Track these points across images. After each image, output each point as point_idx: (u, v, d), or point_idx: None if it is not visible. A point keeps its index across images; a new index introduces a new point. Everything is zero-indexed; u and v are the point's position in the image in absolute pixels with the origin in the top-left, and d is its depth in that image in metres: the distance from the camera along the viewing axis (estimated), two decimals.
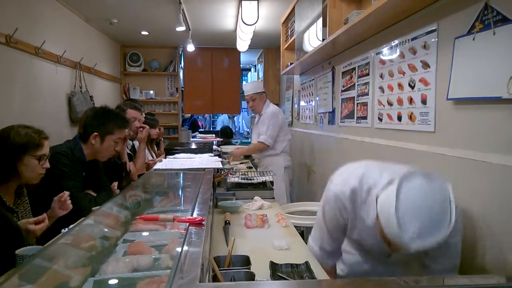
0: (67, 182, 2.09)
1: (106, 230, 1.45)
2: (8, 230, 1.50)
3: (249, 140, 7.04)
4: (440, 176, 1.22)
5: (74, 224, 1.43)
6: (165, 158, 3.05)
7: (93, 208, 1.80)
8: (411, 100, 2.03)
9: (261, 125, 3.88)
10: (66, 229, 1.52)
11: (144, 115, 3.46)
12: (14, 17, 3.13)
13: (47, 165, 1.84)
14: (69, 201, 1.90)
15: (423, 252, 1.41)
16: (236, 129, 10.67)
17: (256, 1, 4.00)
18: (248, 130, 9.60)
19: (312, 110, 4.15)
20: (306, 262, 1.56)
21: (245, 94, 3.99)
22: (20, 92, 3.26)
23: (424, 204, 1.14)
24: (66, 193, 1.90)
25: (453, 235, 1.25)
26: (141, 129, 3.15)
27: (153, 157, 3.60)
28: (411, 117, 2.04)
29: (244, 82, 8.88)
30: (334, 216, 1.50)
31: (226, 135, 7.15)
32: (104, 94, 5.54)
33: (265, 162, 3.89)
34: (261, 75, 7.23)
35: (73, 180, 2.16)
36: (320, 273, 1.53)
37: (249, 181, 2.96)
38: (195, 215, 1.26)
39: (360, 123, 2.74)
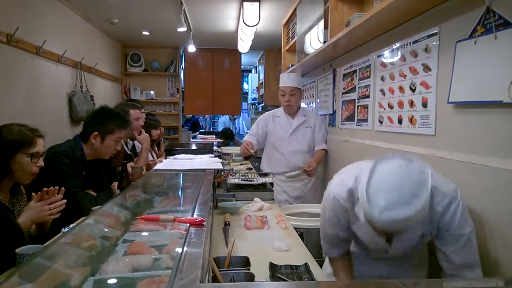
0: (68, 182, 2.08)
1: (106, 230, 1.45)
2: (7, 228, 1.50)
3: None
4: (421, 161, 1.22)
5: (74, 224, 1.43)
6: (166, 158, 3.05)
7: (93, 208, 1.80)
8: (412, 103, 2.04)
9: (311, 132, 3.37)
10: (67, 229, 1.52)
11: (145, 115, 3.47)
12: (15, 16, 3.13)
13: (41, 163, 1.81)
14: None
15: (421, 245, 1.45)
16: (237, 130, 10.68)
17: (258, 3, 4.01)
18: (248, 131, 9.60)
19: (312, 112, 4.15)
20: (306, 264, 1.56)
21: (283, 86, 3.34)
22: (21, 91, 3.27)
23: (395, 180, 1.15)
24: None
25: (461, 227, 1.32)
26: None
27: (153, 158, 3.60)
28: (411, 120, 2.04)
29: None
30: (334, 216, 1.51)
31: (227, 136, 7.16)
32: (105, 94, 5.54)
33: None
34: (262, 76, 7.23)
35: (74, 180, 2.16)
36: (319, 275, 1.53)
37: (249, 182, 2.96)
38: (195, 215, 1.26)
39: (360, 125, 2.74)
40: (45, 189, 1.75)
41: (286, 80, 3.36)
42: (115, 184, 2.53)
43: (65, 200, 1.78)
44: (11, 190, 1.81)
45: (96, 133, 2.27)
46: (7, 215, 1.57)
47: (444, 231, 1.36)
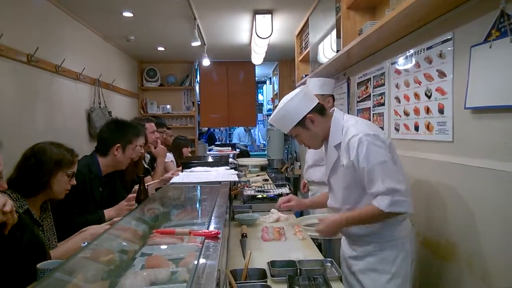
0: (68, 207, 2.07)
1: (124, 243, 1.46)
2: (32, 242, 1.52)
3: (265, 153, 7.06)
4: (299, 88, 1.81)
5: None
6: (182, 171, 3.08)
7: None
8: (428, 110, 2.01)
9: None
10: (86, 243, 1.54)
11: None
12: (35, 37, 3.24)
13: (74, 182, 1.90)
14: None
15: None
16: (254, 141, 10.69)
17: (270, 15, 4.05)
18: (264, 142, 9.60)
19: None
20: (324, 275, 1.54)
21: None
22: (41, 109, 3.36)
23: (282, 99, 1.81)
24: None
25: (364, 162, 1.60)
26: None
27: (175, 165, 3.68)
28: (428, 127, 2.01)
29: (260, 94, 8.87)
30: None
31: (243, 155, 7.19)
32: (122, 109, 5.65)
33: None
34: (276, 87, 7.26)
35: (74, 206, 2.11)
36: (336, 286, 1.50)
37: (266, 194, 2.95)
38: (211, 228, 1.26)
39: None
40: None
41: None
42: (130, 197, 2.55)
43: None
44: (41, 206, 1.86)
45: (118, 145, 2.32)
46: (33, 228, 1.59)
47: (352, 163, 1.66)
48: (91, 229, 1.86)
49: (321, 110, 1.79)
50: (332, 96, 3.00)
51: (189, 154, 4.60)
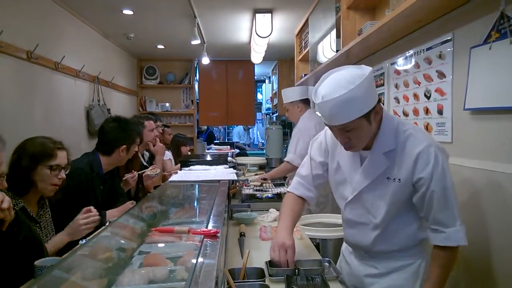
0: (68, 208, 2.06)
1: (122, 241, 1.46)
2: (29, 238, 1.52)
3: (264, 151, 7.07)
4: (367, 67, 1.35)
5: (91, 236, 1.45)
6: (181, 170, 3.08)
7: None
8: (427, 111, 2.01)
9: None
10: (84, 241, 1.54)
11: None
12: (35, 34, 3.23)
13: (62, 175, 1.81)
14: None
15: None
16: (251, 141, 10.69)
17: (270, 14, 4.05)
18: (263, 141, 9.61)
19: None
20: (322, 275, 1.55)
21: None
22: (40, 106, 3.35)
23: (337, 76, 1.34)
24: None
25: (431, 183, 1.33)
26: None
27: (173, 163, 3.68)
28: (427, 127, 2.02)
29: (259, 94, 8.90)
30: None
31: (240, 154, 7.19)
32: (121, 107, 5.64)
33: None
34: (275, 86, 7.26)
35: (74, 207, 2.08)
36: (334, 286, 1.51)
37: (264, 193, 2.95)
38: (210, 227, 1.26)
39: None
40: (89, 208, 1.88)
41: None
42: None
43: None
44: (38, 202, 1.83)
45: (124, 146, 2.32)
46: (29, 226, 1.59)
47: (416, 181, 1.37)
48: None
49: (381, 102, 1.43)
50: (303, 99, 3.31)
51: (188, 153, 4.60)
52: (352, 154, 1.50)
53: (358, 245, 1.63)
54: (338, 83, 1.30)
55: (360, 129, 1.35)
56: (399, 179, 1.39)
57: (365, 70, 1.33)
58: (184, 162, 2.81)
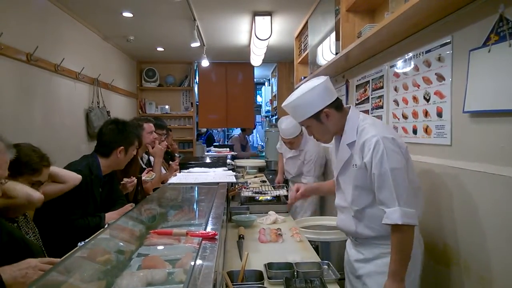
0: (69, 209, 2.07)
1: (121, 244, 1.45)
2: (12, 242, 1.49)
3: (264, 154, 7.05)
4: (323, 78, 1.70)
5: (90, 238, 1.44)
6: (180, 172, 3.07)
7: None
8: (426, 113, 2.01)
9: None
10: (82, 243, 1.54)
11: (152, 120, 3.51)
12: (35, 36, 3.24)
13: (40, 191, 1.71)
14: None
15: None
16: (250, 143, 10.68)
17: (270, 16, 4.05)
18: (262, 144, 9.60)
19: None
20: (321, 278, 1.54)
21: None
22: (40, 108, 3.35)
23: (302, 86, 1.70)
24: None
25: (372, 167, 1.55)
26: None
27: (165, 170, 3.62)
28: (426, 130, 2.02)
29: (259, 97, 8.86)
30: None
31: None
32: (121, 109, 5.64)
33: None
34: (275, 89, 7.26)
35: (76, 208, 2.12)
36: None
37: (263, 195, 2.95)
38: (208, 229, 1.26)
39: None
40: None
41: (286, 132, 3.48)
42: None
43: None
44: None
45: (122, 147, 2.32)
46: (9, 229, 1.53)
47: (364, 166, 1.60)
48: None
49: (338, 106, 1.71)
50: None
51: (176, 154, 4.57)
52: (335, 146, 1.81)
53: (347, 231, 1.83)
54: (297, 92, 1.71)
55: (314, 127, 1.73)
56: (356, 165, 1.66)
57: (319, 80, 1.67)
58: (183, 164, 2.80)
